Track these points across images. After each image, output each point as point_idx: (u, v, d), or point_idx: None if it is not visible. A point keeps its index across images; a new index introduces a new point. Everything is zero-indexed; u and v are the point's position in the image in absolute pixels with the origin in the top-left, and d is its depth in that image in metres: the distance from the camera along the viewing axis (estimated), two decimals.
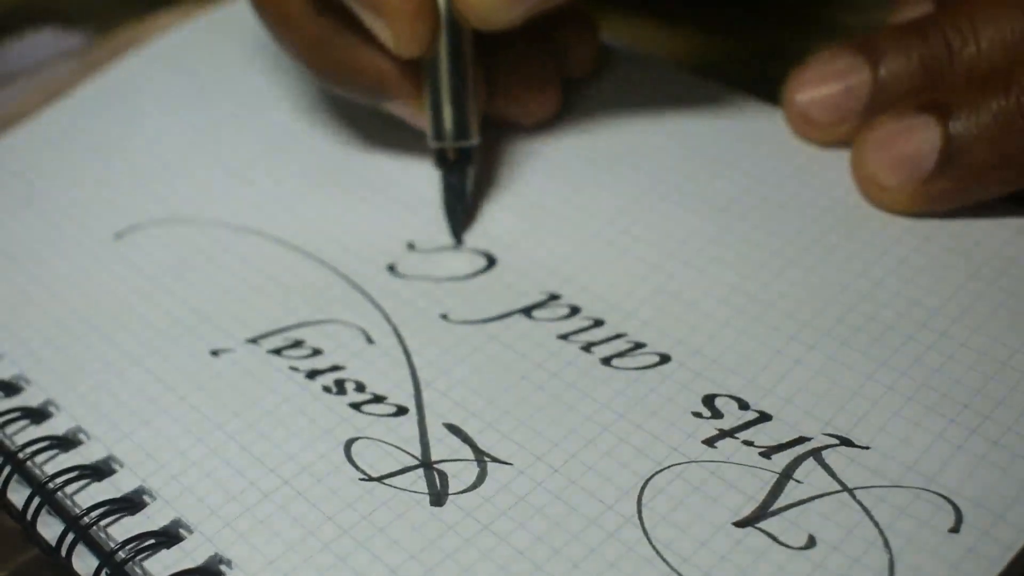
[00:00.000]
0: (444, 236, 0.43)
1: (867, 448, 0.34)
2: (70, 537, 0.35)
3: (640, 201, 0.43)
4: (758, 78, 0.48)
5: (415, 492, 0.34)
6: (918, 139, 0.40)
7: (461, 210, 0.44)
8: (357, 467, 0.35)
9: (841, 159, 0.43)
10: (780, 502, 0.33)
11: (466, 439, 0.36)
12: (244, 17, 0.48)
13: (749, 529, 0.32)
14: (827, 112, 0.43)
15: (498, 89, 0.45)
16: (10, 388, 0.39)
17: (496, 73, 0.45)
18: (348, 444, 0.36)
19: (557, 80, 0.46)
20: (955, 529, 0.32)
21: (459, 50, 0.42)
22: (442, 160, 0.43)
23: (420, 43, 0.41)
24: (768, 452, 0.34)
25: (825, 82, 0.43)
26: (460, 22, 0.41)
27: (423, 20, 0.40)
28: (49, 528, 0.35)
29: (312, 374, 0.38)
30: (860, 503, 0.33)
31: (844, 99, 0.42)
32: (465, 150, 0.43)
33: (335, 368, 0.38)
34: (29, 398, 0.38)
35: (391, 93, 0.43)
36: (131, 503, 0.35)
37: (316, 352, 0.39)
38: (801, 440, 0.34)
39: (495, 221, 0.43)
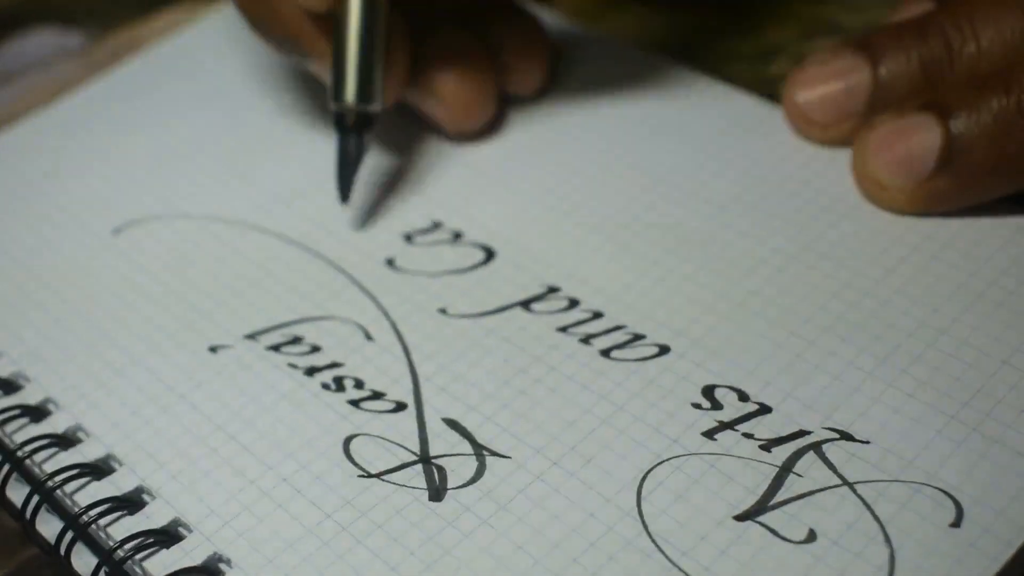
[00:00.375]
0: (441, 231, 0.43)
1: (867, 443, 0.34)
2: (69, 536, 0.35)
3: (640, 196, 0.43)
4: (758, 77, 0.48)
5: (414, 488, 0.34)
6: (918, 139, 0.40)
7: (352, 176, 0.43)
8: (356, 464, 0.35)
9: (841, 159, 0.43)
10: (780, 496, 0.33)
11: (465, 433, 0.36)
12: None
13: (749, 523, 0.32)
14: (827, 111, 0.43)
15: (424, 84, 0.45)
16: (9, 386, 0.39)
17: (426, 67, 0.44)
18: (347, 441, 0.36)
19: (492, 96, 0.46)
20: (956, 524, 0.32)
21: (373, 10, 0.41)
22: (340, 123, 0.42)
23: None
24: (768, 445, 0.34)
25: (825, 81, 0.43)
26: None
27: None
28: (48, 527, 0.35)
29: (311, 371, 0.38)
30: (860, 497, 0.33)
31: (844, 98, 0.42)
32: (366, 116, 0.42)
33: (334, 365, 0.38)
34: (28, 396, 0.38)
35: (306, 49, 0.42)
36: (130, 502, 0.35)
37: (315, 349, 0.39)
38: (801, 433, 0.34)
39: (494, 214, 0.43)
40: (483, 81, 0.45)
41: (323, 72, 0.43)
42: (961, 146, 0.39)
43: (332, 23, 0.42)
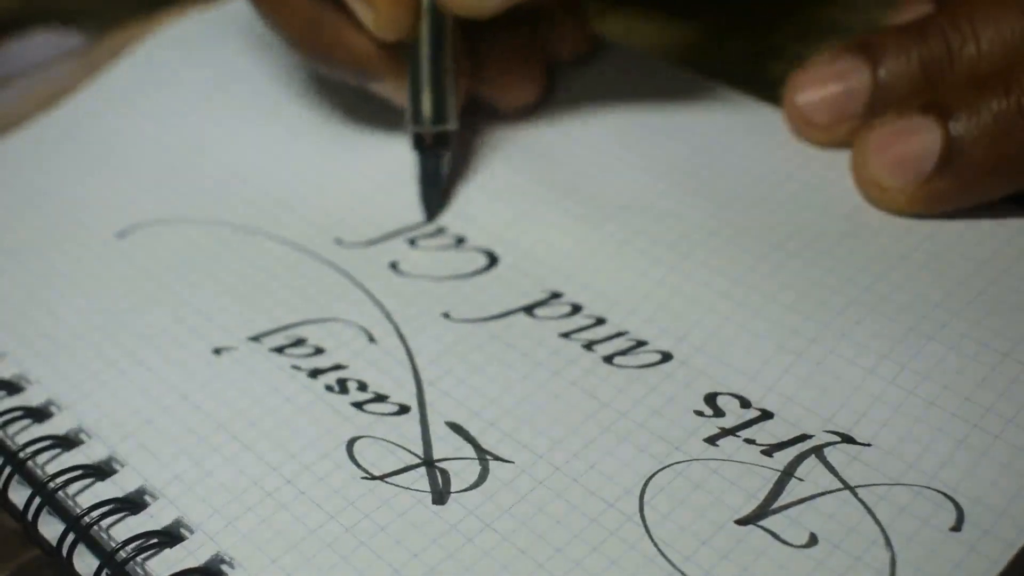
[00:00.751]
0: (445, 235, 0.43)
1: (868, 445, 0.34)
2: (71, 537, 0.34)
3: (641, 200, 0.43)
4: (758, 78, 0.48)
5: (417, 491, 0.34)
6: (918, 140, 0.40)
7: (436, 193, 0.44)
8: (359, 466, 0.35)
9: (841, 159, 0.43)
10: (782, 500, 0.33)
11: (468, 438, 0.36)
12: (244, 16, 0.48)
13: (751, 527, 0.32)
14: (827, 113, 0.43)
15: (481, 72, 0.46)
16: (11, 387, 0.39)
17: (480, 55, 0.46)
18: (350, 443, 0.36)
19: (542, 67, 0.47)
20: (956, 527, 0.32)
21: (441, 36, 0.43)
22: (419, 144, 0.44)
23: (400, 27, 0.42)
24: (770, 450, 0.34)
25: (825, 83, 0.43)
26: (442, 9, 0.42)
27: (403, 5, 0.41)
28: (50, 528, 0.35)
29: (314, 373, 0.38)
30: (862, 501, 0.33)
31: (844, 100, 0.43)
32: (442, 135, 0.44)
33: (337, 367, 0.38)
34: (30, 397, 0.38)
35: (376, 75, 0.44)
36: (132, 503, 0.35)
37: (318, 351, 0.39)
38: (803, 438, 0.34)
39: (496, 219, 0.43)
40: (531, 58, 0.47)
41: (388, 91, 0.44)
42: (961, 147, 0.39)
43: (399, 49, 0.43)
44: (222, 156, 0.48)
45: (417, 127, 0.44)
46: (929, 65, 0.41)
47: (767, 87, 0.47)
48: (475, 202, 0.44)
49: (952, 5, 0.42)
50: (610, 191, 0.44)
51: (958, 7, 0.42)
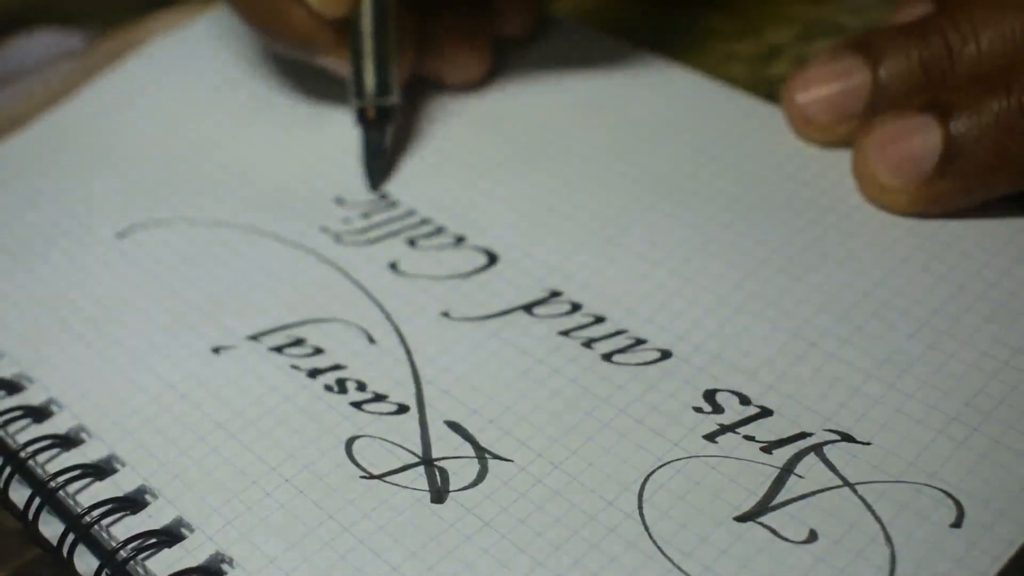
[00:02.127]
0: (444, 235, 0.43)
1: (868, 444, 0.34)
2: (71, 537, 0.34)
3: (642, 199, 0.43)
4: (758, 79, 0.48)
5: (416, 489, 0.34)
6: (919, 139, 0.40)
7: (380, 165, 0.45)
8: (358, 465, 0.35)
9: (841, 159, 0.43)
10: (781, 497, 0.33)
11: (467, 436, 0.36)
12: None
13: (750, 524, 0.32)
14: (827, 112, 0.43)
15: (430, 45, 0.47)
16: (12, 387, 0.39)
17: (427, 30, 0.46)
18: (349, 442, 0.36)
19: (489, 43, 0.48)
20: (956, 524, 0.32)
21: (384, 11, 0.44)
22: (362, 117, 0.45)
23: (342, 5, 0.43)
24: (769, 447, 0.34)
25: (825, 82, 0.43)
26: None
27: None
28: (50, 527, 0.35)
29: (313, 373, 0.38)
30: (861, 498, 0.33)
31: (844, 99, 0.43)
32: (385, 108, 0.45)
33: (336, 367, 0.38)
34: (31, 397, 0.38)
35: (320, 49, 0.45)
36: (133, 502, 0.35)
37: (317, 351, 0.39)
38: (802, 435, 0.34)
39: (496, 218, 0.43)
40: (483, 35, 0.48)
41: (335, 66, 0.45)
42: (962, 147, 0.39)
43: (344, 23, 0.44)
44: (221, 156, 0.48)
45: (360, 101, 0.45)
46: (929, 65, 0.41)
47: (767, 87, 0.47)
48: (475, 202, 0.44)
49: (952, 5, 0.42)
50: (610, 192, 0.44)
51: (958, 7, 0.42)
